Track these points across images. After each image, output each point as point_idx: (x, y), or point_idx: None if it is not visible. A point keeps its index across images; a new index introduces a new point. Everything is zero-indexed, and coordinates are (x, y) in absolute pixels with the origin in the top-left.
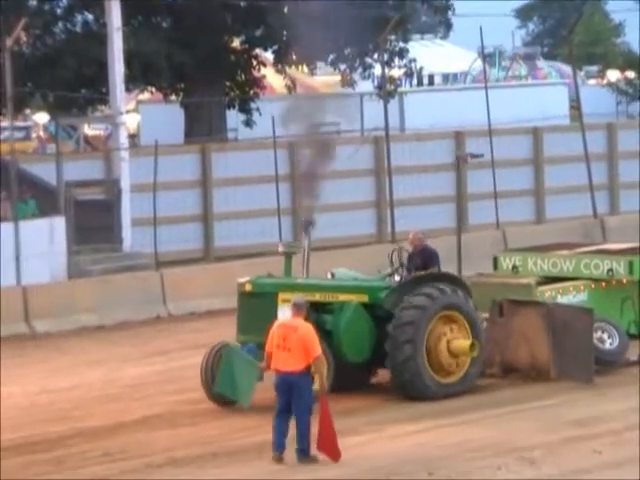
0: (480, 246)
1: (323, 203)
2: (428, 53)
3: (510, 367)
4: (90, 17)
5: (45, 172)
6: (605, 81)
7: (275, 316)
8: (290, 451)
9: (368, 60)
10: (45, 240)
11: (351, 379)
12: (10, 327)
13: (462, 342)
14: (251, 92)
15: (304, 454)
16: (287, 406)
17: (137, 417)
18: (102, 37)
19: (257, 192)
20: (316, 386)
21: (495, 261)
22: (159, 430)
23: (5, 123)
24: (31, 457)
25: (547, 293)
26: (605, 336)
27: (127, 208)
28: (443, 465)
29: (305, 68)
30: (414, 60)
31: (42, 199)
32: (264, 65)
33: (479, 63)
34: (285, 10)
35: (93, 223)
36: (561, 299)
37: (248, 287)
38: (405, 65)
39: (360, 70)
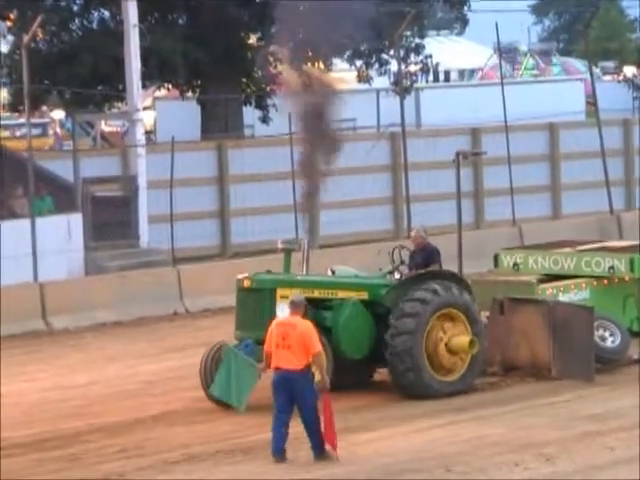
0: (496, 242)
1: (340, 199)
2: (444, 49)
3: (511, 365)
4: (107, 14)
5: (62, 169)
6: (621, 77)
7: (273, 312)
8: (297, 450)
9: (384, 56)
10: (62, 237)
11: (351, 377)
12: (27, 323)
13: (461, 339)
14: (267, 89)
15: (319, 451)
16: (286, 405)
17: (153, 413)
18: (119, 34)
19: (274, 189)
20: (317, 379)
21: (496, 259)
22: (175, 426)
23: (22, 120)
24: (46, 454)
25: (548, 291)
26: (607, 334)
27: (144, 205)
28: (459, 461)
29: (321, 64)
30: (430, 56)
31: (59, 196)
32: (280, 62)
33: (495, 59)
34: (301, 7)
35: (110, 220)
36: (563, 297)
37: (247, 283)
38: (421, 61)
39: (376, 66)
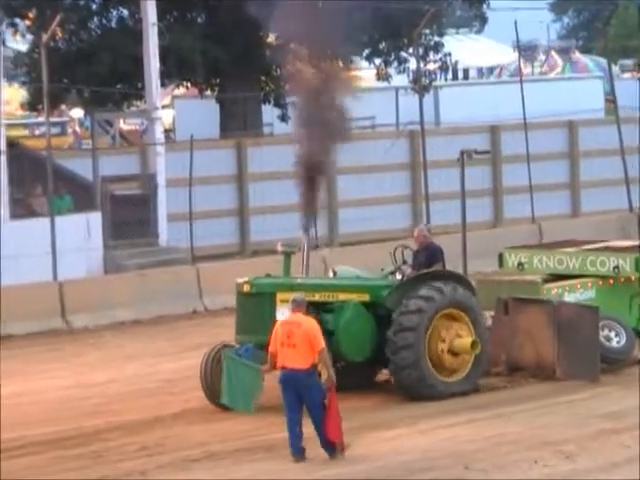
0: (515, 240)
1: (359, 197)
2: (463, 47)
3: (515, 366)
4: (125, 13)
5: (81, 167)
6: None
7: (274, 316)
8: (317, 447)
9: (403, 54)
10: (81, 235)
11: (353, 380)
12: (46, 322)
13: (464, 340)
14: (286, 87)
15: (330, 449)
16: (296, 404)
17: (173, 411)
18: (137, 33)
19: (292, 187)
20: (325, 377)
21: (500, 258)
22: (195, 424)
23: (41, 118)
24: (67, 452)
25: (554, 290)
26: (612, 334)
27: (163, 203)
28: (478, 459)
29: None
30: (449, 54)
31: (78, 194)
32: (299, 60)
33: (515, 57)
34: (320, 4)
35: (129, 218)
36: (568, 296)
37: (246, 287)
38: (440, 59)
39: (395, 64)
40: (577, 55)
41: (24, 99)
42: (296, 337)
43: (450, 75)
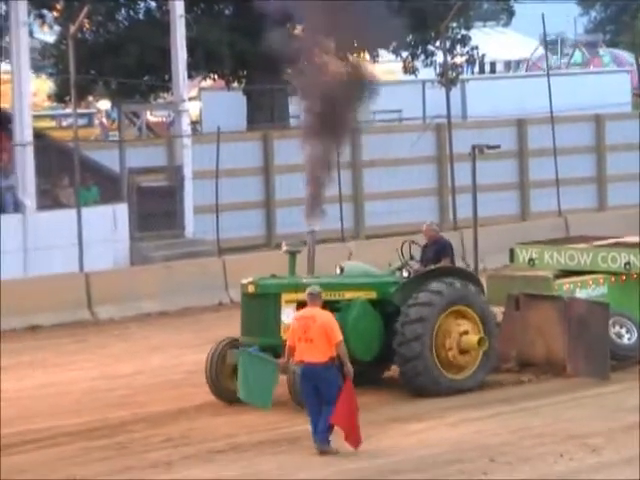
0: (542, 234)
1: (386, 190)
2: (490, 40)
3: (526, 362)
4: (153, 4)
5: (108, 159)
6: None
7: (279, 318)
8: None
9: (430, 47)
10: (108, 227)
11: (361, 378)
12: (73, 313)
13: (471, 337)
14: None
15: (322, 440)
16: (314, 395)
17: (198, 403)
18: (165, 24)
19: None
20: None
21: (511, 254)
22: (220, 416)
23: (68, 110)
24: (93, 442)
25: (565, 286)
26: (623, 331)
27: (189, 195)
28: (504, 451)
29: (366, 55)
30: (476, 47)
31: (105, 186)
32: (326, 52)
33: (541, 50)
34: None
35: (156, 210)
36: (580, 292)
37: (251, 288)
38: (467, 52)
39: (422, 57)
40: (604, 49)
41: (51, 90)
42: (312, 331)
43: (477, 68)
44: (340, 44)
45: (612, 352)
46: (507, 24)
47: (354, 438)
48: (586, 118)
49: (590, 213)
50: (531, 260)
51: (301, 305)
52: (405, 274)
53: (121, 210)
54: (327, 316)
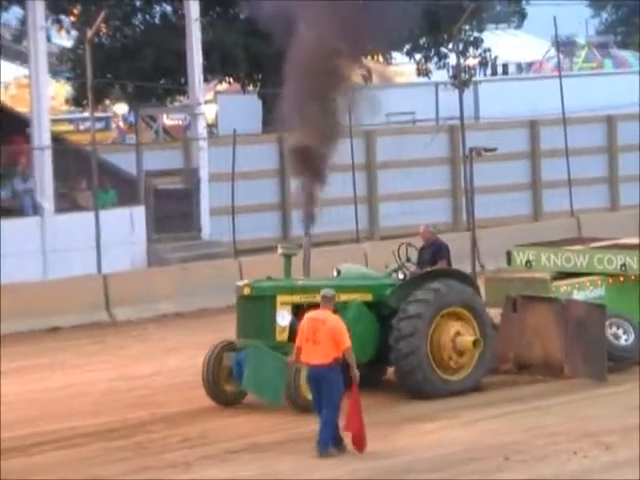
0: (554, 234)
1: (400, 191)
2: (502, 43)
3: (524, 363)
4: (168, 9)
5: (125, 162)
6: None
7: (274, 320)
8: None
9: (443, 50)
10: (125, 229)
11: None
12: (91, 315)
13: (466, 339)
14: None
15: (325, 448)
16: (321, 399)
17: (215, 404)
18: (180, 28)
19: (334, 181)
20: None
21: (508, 256)
22: (238, 416)
23: (86, 114)
24: (112, 443)
25: (563, 288)
26: (620, 332)
27: (206, 197)
28: (518, 450)
29: (380, 58)
30: (489, 49)
31: (122, 188)
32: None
33: (553, 52)
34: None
35: (172, 212)
36: (578, 294)
37: (246, 290)
38: (480, 54)
39: (435, 60)
40: (615, 50)
41: (69, 95)
42: (321, 334)
43: (489, 70)
44: (354, 47)
45: (609, 353)
46: (519, 26)
47: (360, 443)
48: (598, 119)
49: (602, 213)
50: (528, 262)
51: (296, 307)
52: (401, 276)
53: (138, 212)
54: (337, 321)
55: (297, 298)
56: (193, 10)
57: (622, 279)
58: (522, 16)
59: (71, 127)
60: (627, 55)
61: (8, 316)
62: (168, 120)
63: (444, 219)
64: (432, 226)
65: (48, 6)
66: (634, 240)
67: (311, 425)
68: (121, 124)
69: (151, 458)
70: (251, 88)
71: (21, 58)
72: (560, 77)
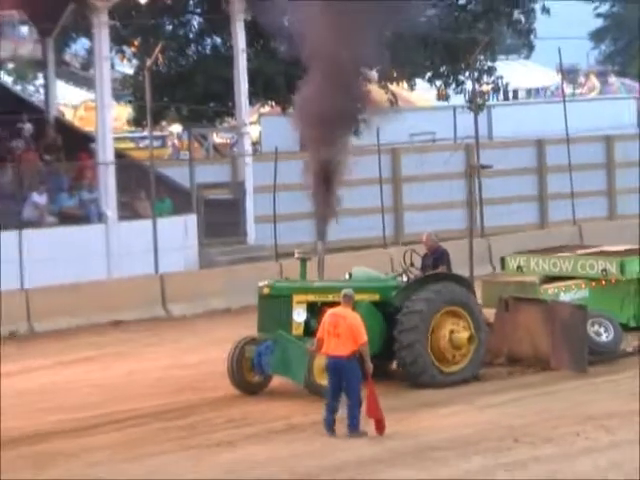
0: (559, 240)
1: (422, 202)
2: (513, 71)
3: (515, 357)
4: (218, 40)
5: (179, 175)
6: None
7: (291, 317)
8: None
9: (460, 77)
10: (180, 235)
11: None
12: (150, 310)
13: (462, 335)
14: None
15: (354, 429)
16: (337, 386)
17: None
18: (229, 58)
19: (364, 192)
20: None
21: (502, 262)
22: (277, 400)
23: (145, 133)
24: (168, 423)
25: (550, 290)
26: (601, 330)
27: (251, 207)
28: (527, 432)
29: (405, 84)
30: (501, 77)
31: (177, 199)
32: (369, 81)
33: (558, 79)
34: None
35: (221, 220)
36: (564, 296)
37: (266, 290)
38: (493, 81)
39: (453, 86)
40: (613, 78)
41: (130, 116)
42: (341, 328)
43: (501, 95)
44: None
45: (591, 348)
46: (528, 57)
47: (381, 426)
48: (598, 139)
49: (601, 222)
50: (519, 267)
51: (311, 306)
52: (405, 279)
53: (191, 220)
54: (356, 318)
55: (312, 297)
56: (240, 42)
57: (604, 282)
58: (530, 48)
59: (132, 145)
60: (617, 84)
61: (76, 311)
62: (217, 139)
63: (461, 226)
64: (434, 234)
65: (112, 38)
66: (618, 247)
67: (342, 407)
68: (176, 142)
69: (201, 437)
70: (291, 110)
71: (88, 84)
72: (564, 102)
